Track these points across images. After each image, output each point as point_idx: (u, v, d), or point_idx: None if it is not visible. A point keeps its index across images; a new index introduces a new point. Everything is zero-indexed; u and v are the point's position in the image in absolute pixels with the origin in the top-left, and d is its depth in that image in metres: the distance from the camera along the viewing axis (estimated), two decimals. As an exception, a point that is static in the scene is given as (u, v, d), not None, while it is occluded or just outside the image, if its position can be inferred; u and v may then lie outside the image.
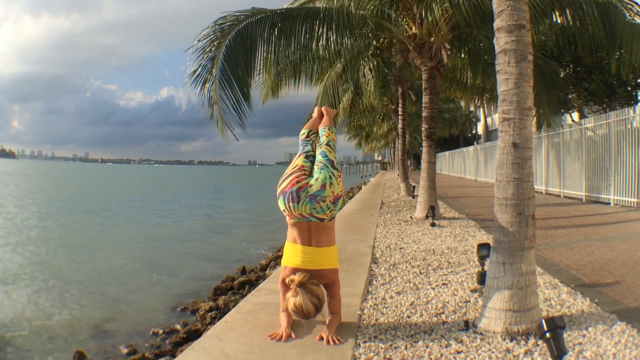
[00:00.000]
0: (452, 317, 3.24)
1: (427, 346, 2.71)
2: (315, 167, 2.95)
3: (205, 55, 6.10)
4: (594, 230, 7.26)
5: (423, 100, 9.16)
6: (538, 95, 8.80)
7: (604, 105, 13.25)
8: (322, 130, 3.28)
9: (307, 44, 7.35)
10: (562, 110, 12.05)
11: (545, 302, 3.54)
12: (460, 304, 3.53)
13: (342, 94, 12.10)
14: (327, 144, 3.13)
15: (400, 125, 16.41)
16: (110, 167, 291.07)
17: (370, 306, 3.51)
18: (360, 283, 4.01)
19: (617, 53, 7.36)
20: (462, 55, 10.22)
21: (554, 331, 2.29)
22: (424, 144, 9.13)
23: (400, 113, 15.98)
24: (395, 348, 2.69)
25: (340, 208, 10.88)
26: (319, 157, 3.02)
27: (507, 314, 2.86)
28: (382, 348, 2.68)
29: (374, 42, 10.03)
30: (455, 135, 39.08)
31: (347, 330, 2.88)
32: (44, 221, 18.12)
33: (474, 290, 3.85)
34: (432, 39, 8.41)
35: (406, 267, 4.86)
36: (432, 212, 8.06)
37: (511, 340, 2.74)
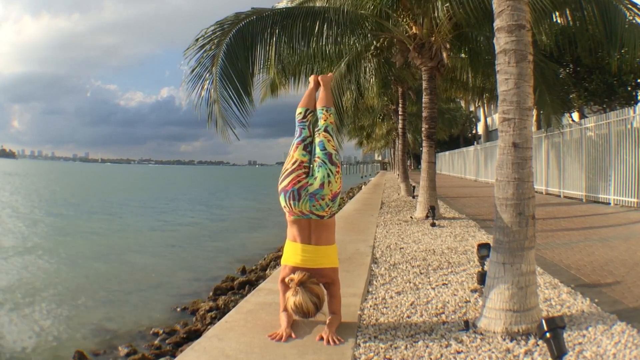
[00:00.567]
0: (452, 317, 3.24)
1: (427, 346, 2.71)
2: (314, 164, 2.94)
3: (206, 54, 6.09)
4: (594, 230, 7.26)
5: (423, 100, 9.16)
6: (541, 96, 8.80)
7: (604, 105, 13.23)
8: (320, 113, 3.17)
9: (307, 43, 7.35)
10: (563, 111, 12.05)
11: (545, 302, 3.54)
12: (460, 304, 3.53)
13: (343, 94, 12.08)
14: (326, 130, 3.06)
15: (400, 126, 16.42)
16: (110, 167, 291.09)
17: (371, 306, 3.51)
18: (360, 283, 4.01)
19: (618, 53, 7.35)
20: (462, 55, 10.22)
21: (554, 331, 2.29)
22: (424, 144, 9.13)
23: (400, 113, 15.99)
24: (395, 348, 2.69)
25: (340, 208, 10.91)
26: (317, 151, 2.98)
27: (507, 314, 2.86)
28: (382, 348, 2.68)
29: (374, 42, 10.02)
30: (456, 135, 39.08)
31: (347, 330, 2.88)
32: (44, 221, 18.12)
33: (474, 290, 3.86)
34: (433, 39, 8.42)
35: (406, 267, 4.86)
36: (432, 212, 8.06)
37: (511, 340, 2.74)
